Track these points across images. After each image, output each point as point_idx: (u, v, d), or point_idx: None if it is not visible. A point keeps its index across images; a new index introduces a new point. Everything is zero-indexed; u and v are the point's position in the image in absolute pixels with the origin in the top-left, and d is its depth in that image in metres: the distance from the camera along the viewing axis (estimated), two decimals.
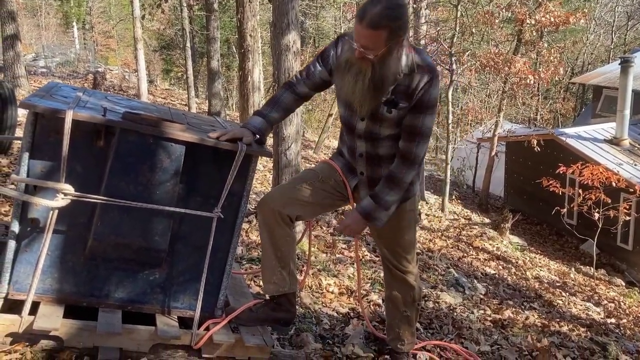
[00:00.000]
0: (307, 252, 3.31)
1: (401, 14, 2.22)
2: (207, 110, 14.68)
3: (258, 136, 2.53)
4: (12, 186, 3.10)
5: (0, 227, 2.96)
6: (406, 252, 2.79)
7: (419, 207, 2.89)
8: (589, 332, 5.01)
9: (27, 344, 2.22)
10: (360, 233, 2.61)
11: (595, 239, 10.04)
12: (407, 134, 2.43)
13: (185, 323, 2.56)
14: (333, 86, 2.66)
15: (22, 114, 6.41)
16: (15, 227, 2.26)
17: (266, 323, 2.66)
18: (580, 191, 10.45)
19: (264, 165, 9.13)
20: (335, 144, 17.22)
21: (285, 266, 2.62)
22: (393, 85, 2.37)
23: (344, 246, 5.53)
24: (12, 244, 2.26)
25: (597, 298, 7.54)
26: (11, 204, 3.85)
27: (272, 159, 5.12)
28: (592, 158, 11.83)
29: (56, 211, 2.23)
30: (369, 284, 4.54)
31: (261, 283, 3.76)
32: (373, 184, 2.59)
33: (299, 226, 4.84)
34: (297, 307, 3.01)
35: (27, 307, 2.23)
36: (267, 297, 2.70)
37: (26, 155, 2.21)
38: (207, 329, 2.48)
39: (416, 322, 2.99)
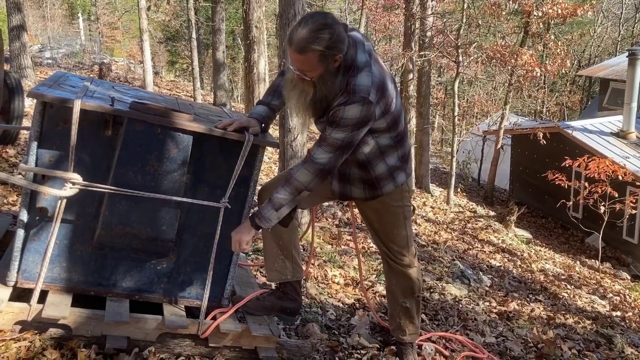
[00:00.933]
0: (314, 245, 3.31)
1: (330, 34, 2.17)
2: (212, 102, 14.67)
3: (262, 124, 2.54)
4: (21, 175, 3.11)
5: (9, 216, 2.98)
6: (399, 246, 2.78)
7: (413, 200, 2.86)
8: (594, 325, 5.01)
9: (36, 332, 2.24)
10: (247, 243, 2.42)
11: (601, 232, 10.02)
12: (319, 138, 2.40)
13: (192, 312, 2.57)
14: None
15: (28, 105, 6.43)
16: (24, 216, 2.27)
17: (273, 312, 2.68)
18: (587, 184, 10.42)
19: (269, 157, 9.13)
20: None
21: (288, 254, 2.64)
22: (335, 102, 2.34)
23: (349, 238, 5.53)
24: (20, 233, 2.27)
25: (602, 291, 7.53)
26: (19, 193, 3.87)
27: (278, 150, 5.13)
28: (598, 151, 11.77)
29: (64, 200, 2.24)
30: (374, 275, 4.54)
31: (264, 264, 3.78)
32: (342, 176, 2.62)
33: (305, 217, 4.85)
34: (303, 297, 3.02)
35: (35, 295, 2.25)
36: (273, 286, 2.71)
37: (34, 144, 2.22)
38: (214, 318, 2.49)
39: (419, 313, 2.97)
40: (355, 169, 2.58)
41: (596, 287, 7.78)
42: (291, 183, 2.36)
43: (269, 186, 2.65)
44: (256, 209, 2.43)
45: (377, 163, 2.55)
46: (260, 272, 3.78)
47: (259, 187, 2.64)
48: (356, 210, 2.98)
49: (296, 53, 2.19)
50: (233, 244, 2.43)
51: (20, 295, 2.30)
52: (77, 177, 2.22)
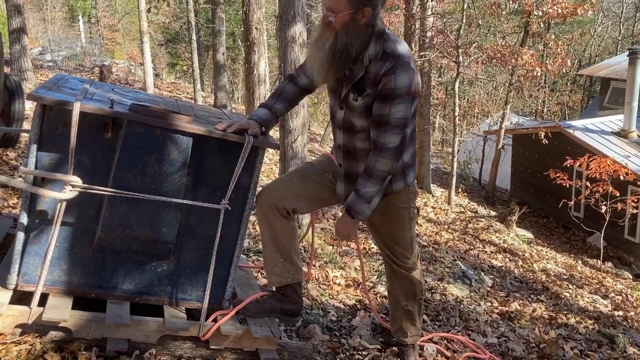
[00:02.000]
0: (315, 246, 3.31)
1: None
2: (213, 104, 14.67)
3: (263, 127, 2.53)
4: (21, 178, 3.11)
5: (10, 219, 2.97)
6: (403, 248, 2.77)
7: (416, 202, 2.86)
8: (596, 325, 5.00)
9: (37, 334, 2.24)
10: (353, 234, 2.56)
11: (603, 232, 10.00)
12: (376, 123, 2.39)
13: (193, 315, 2.57)
14: None
15: (29, 107, 6.43)
16: (24, 219, 2.26)
17: (273, 314, 2.67)
18: (588, 184, 10.40)
19: (270, 158, 9.13)
20: None
21: (288, 257, 2.63)
22: (360, 73, 2.36)
23: None
24: (21, 236, 2.27)
25: (604, 291, 7.51)
26: (20, 196, 3.86)
27: (278, 151, 5.12)
28: (599, 150, 11.76)
29: (64, 203, 2.23)
30: (375, 276, 4.54)
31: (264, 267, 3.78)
32: (349, 178, 2.60)
33: (306, 218, 4.84)
34: (304, 299, 3.02)
35: (36, 298, 2.24)
36: (274, 288, 2.71)
37: (34, 147, 2.21)
38: (215, 320, 2.48)
39: (420, 316, 2.97)
40: (365, 165, 2.54)
41: (598, 286, 7.77)
42: (375, 175, 2.41)
43: (267, 193, 2.62)
44: (349, 198, 2.49)
45: None
46: (261, 273, 3.77)
47: (259, 189, 2.64)
48: None
49: None
50: (341, 236, 2.58)
51: (21, 298, 2.30)
52: (76, 180, 2.21)
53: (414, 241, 2.81)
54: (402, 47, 2.35)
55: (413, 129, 2.57)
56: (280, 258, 2.63)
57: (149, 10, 14.29)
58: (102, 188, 2.25)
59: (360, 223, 2.64)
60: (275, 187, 2.67)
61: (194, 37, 15.80)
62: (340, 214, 2.59)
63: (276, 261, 2.63)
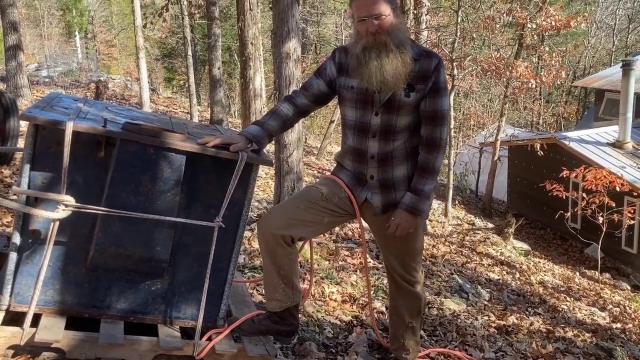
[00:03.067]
0: (310, 261, 3.30)
1: None
2: (209, 118, 14.70)
3: (254, 144, 2.52)
4: (14, 197, 3.10)
5: (2, 238, 2.96)
6: (415, 260, 2.76)
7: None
8: (594, 338, 4.98)
9: (29, 356, 2.22)
10: (413, 228, 2.61)
11: (600, 243, 10.00)
12: (429, 119, 2.51)
13: (187, 333, 2.55)
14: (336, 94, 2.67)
15: (24, 125, 6.43)
16: (17, 239, 2.25)
17: (267, 335, 2.66)
18: (584, 195, 10.42)
19: (265, 173, 9.13)
20: (337, 149, 17.18)
21: (289, 282, 2.62)
22: (407, 71, 2.44)
23: (347, 253, 5.51)
24: (13, 256, 2.26)
25: (602, 302, 7.50)
26: (13, 214, 3.85)
27: (273, 166, 5.12)
28: (595, 161, 11.79)
29: (57, 223, 2.23)
30: (372, 292, 4.52)
31: (264, 292, 3.76)
32: (385, 187, 2.60)
33: None
34: (300, 316, 2.99)
35: (28, 319, 2.22)
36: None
37: (27, 166, 2.21)
38: (210, 339, 2.47)
39: (420, 330, 2.97)
40: (401, 168, 2.59)
41: (596, 298, 7.75)
42: (435, 171, 2.55)
43: (271, 221, 2.59)
44: (407, 199, 2.56)
45: None
46: (257, 290, 3.76)
47: (254, 203, 2.63)
48: (365, 225, 2.93)
49: None
50: (395, 227, 2.58)
51: (13, 318, 2.28)
52: (69, 199, 2.21)
53: (422, 252, 2.85)
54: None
55: None
56: (281, 284, 2.61)
57: (145, 26, 14.36)
58: (95, 207, 2.24)
59: (357, 236, 2.65)
60: (281, 215, 2.62)
61: (190, 52, 15.87)
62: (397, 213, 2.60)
63: (277, 288, 2.61)
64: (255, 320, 2.65)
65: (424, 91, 2.48)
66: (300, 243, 3.78)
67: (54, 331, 2.21)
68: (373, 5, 2.35)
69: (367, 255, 5.67)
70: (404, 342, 2.90)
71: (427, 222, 10.27)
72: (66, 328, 2.27)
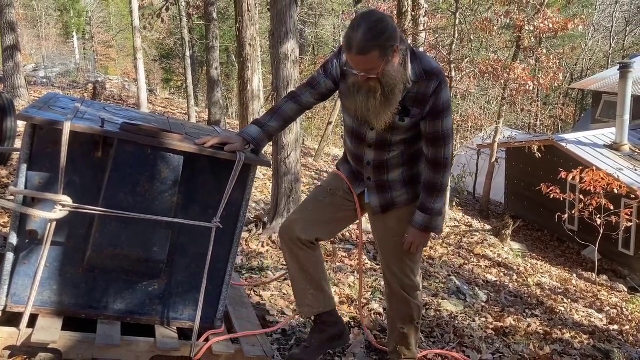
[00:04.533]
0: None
1: (384, 28, 2.21)
2: (207, 119, 14.69)
3: (252, 145, 2.52)
4: (11, 197, 3.09)
5: (0, 238, 2.95)
6: (412, 260, 2.72)
7: None
8: (591, 340, 4.98)
9: (26, 357, 2.21)
10: (427, 244, 2.69)
11: (597, 245, 10.02)
12: (431, 140, 2.47)
13: (184, 334, 2.54)
14: (336, 93, 2.67)
15: (21, 125, 6.42)
16: (14, 239, 2.25)
17: (324, 349, 2.70)
18: (582, 196, 10.43)
19: (263, 174, 9.12)
20: (335, 151, 17.20)
21: (318, 286, 2.63)
22: (403, 94, 2.37)
23: (344, 254, 5.51)
24: (10, 256, 2.25)
25: (599, 304, 7.51)
26: (10, 215, 3.84)
27: (271, 167, 5.12)
28: (592, 164, 11.81)
29: (54, 223, 2.22)
30: (369, 293, 4.52)
31: (261, 292, 3.75)
32: (381, 187, 2.61)
33: None
34: (296, 317, 2.99)
35: (25, 319, 2.22)
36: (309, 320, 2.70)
37: (24, 167, 2.21)
38: (207, 340, 2.46)
39: (417, 339, 2.90)
40: (397, 172, 2.58)
41: (593, 300, 7.76)
42: (443, 190, 2.55)
43: (289, 227, 2.64)
44: (419, 219, 2.57)
45: (421, 160, 2.61)
46: (255, 291, 3.75)
47: (251, 205, 2.63)
48: (367, 226, 2.92)
49: (358, 56, 2.22)
50: (413, 247, 2.61)
51: (10, 319, 2.27)
52: (67, 200, 2.20)
53: (420, 257, 2.80)
54: (435, 63, 2.49)
55: None
56: (310, 289, 2.62)
57: (143, 27, 14.35)
58: (92, 207, 2.24)
59: (355, 237, 2.66)
60: (295, 221, 2.66)
61: (187, 53, 15.86)
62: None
63: (306, 293, 2.63)
64: (307, 343, 2.67)
65: (421, 115, 2.42)
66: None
67: (50, 332, 2.20)
68: (362, 63, 2.24)
69: (365, 257, 5.68)
70: (396, 347, 2.88)
71: None
72: (63, 329, 2.26)
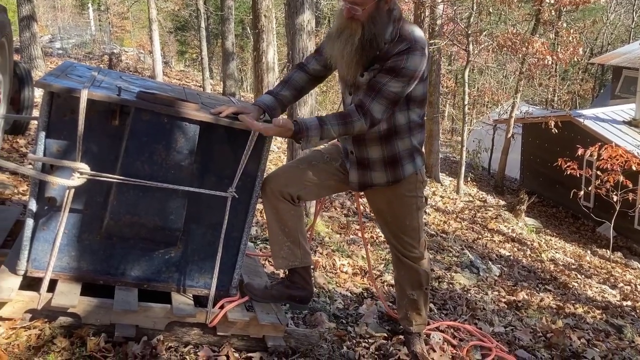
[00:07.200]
0: (322, 234, 3.32)
1: None
2: (221, 92, 14.67)
3: (267, 114, 2.51)
4: (30, 166, 3.13)
5: (19, 206, 3.00)
6: (410, 237, 2.75)
7: (425, 191, 2.88)
8: (604, 315, 4.99)
9: (46, 320, 2.26)
10: (269, 134, 2.36)
11: (612, 222, 9.94)
12: (368, 87, 2.38)
13: (200, 301, 2.58)
14: None
15: (38, 95, 6.46)
16: (33, 206, 2.28)
17: (281, 300, 2.69)
18: (599, 173, 10.32)
19: (277, 147, 9.13)
20: None
21: (294, 241, 2.64)
22: (375, 53, 2.35)
23: (357, 227, 5.53)
24: (30, 223, 2.29)
25: (613, 281, 7.49)
26: (29, 183, 3.89)
27: (286, 139, 5.12)
28: (610, 140, 11.65)
29: (72, 190, 2.25)
30: (382, 265, 4.55)
31: (270, 252, 3.79)
32: (361, 164, 2.60)
33: (313, 207, 4.85)
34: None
35: (45, 284, 2.26)
36: (281, 274, 2.71)
37: (42, 134, 2.23)
38: (222, 307, 2.50)
39: (426, 305, 2.94)
40: (376, 149, 2.55)
41: (607, 276, 7.74)
42: (347, 126, 2.35)
43: (272, 179, 2.63)
44: (309, 123, 2.32)
45: (404, 137, 2.55)
46: (269, 261, 3.79)
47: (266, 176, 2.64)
48: (363, 200, 2.96)
49: None
50: (268, 132, 2.33)
51: (30, 284, 2.32)
52: (84, 167, 2.22)
53: (422, 231, 2.79)
54: (419, 32, 2.39)
55: (422, 115, 2.58)
56: (286, 242, 2.63)
57: None
58: (110, 175, 2.26)
59: (367, 210, 2.65)
60: (281, 174, 2.68)
61: (202, 24, 15.78)
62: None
63: (282, 245, 2.64)
64: (268, 286, 2.68)
65: (377, 70, 2.36)
66: (310, 216, 3.80)
67: (69, 297, 2.25)
68: None
69: (378, 230, 5.69)
70: (407, 313, 2.92)
71: (439, 198, 10.26)
72: (82, 294, 2.31)
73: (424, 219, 3.07)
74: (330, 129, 2.33)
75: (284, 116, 2.69)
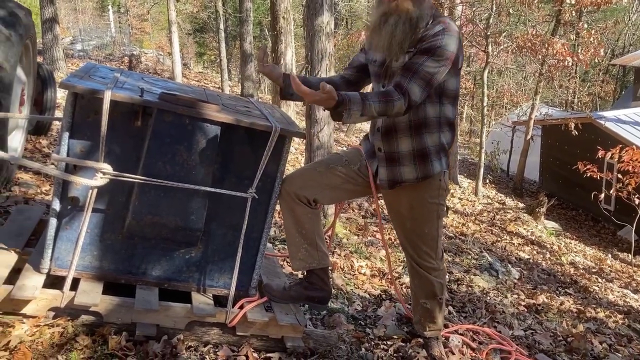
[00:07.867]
0: (340, 236, 3.32)
1: None
2: (240, 93, 14.73)
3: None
4: (53, 166, 3.18)
5: (42, 205, 3.04)
6: (428, 246, 2.71)
7: (447, 199, 2.85)
8: (626, 319, 4.91)
9: (69, 318, 2.30)
10: (313, 100, 2.17)
11: (634, 225, 9.79)
12: (404, 68, 2.37)
13: (220, 301, 2.60)
14: None
15: (60, 96, 6.54)
16: (56, 206, 2.31)
17: (299, 301, 2.69)
18: (620, 175, 10.18)
19: (295, 148, 9.15)
20: (367, 127, 17.10)
21: (312, 242, 2.64)
22: (411, 40, 2.39)
23: (376, 229, 5.52)
24: (53, 222, 2.32)
25: (635, 285, 7.38)
26: (52, 183, 3.95)
27: (304, 140, 5.13)
28: (631, 142, 11.48)
29: (95, 190, 2.28)
30: (400, 267, 4.53)
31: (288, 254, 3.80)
32: (391, 160, 2.59)
33: (331, 209, 4.85)
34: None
35: (68, 283, 2.30)
36: (299, 275, 2.72)
37: (66, 135, 2.26)
38: (241, 307, 2.51)
39: (442, 312, 2.91)
40: (406, 142, 2.54)
41: (629, 280, 7.63)
42: (387, 104, 2.28)
43: (290, 181, 2.63)
44: (353, 97, 2.23)
45: (433, 132, 2.54)
46: (287, 262, 3.79)
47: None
48: (381, 202, 2.95)
49: None
50: (309, 98, 2.17)
51: (54, 282, 2.35)
52: (107, 167, 2.25)
53: (439, 241, 2.75)
54: (450, 20, 2.46)
55: (453, 113, 2.59)
56: (304, 243, 2.64)
57: (177, 0, 14.38)
58: (132, 176, 2.29)
59: (385, 212, 2.62)
60: (298, 176, 2.68)
61: (221, 26, 15.87)
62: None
63: (299, 247, 2.65)
64: (286, 287, 2.69)
65: (412, 54, 2.38)
66: (329, 218, 3.79)
67: (92, 295, 2.28)
68: None
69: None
70: (420, 319, 2.91)
71: (458, 200, 10.20)
72: (103, 293, 2.33)
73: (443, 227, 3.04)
74: (372, 106, 2.27)
75: None
